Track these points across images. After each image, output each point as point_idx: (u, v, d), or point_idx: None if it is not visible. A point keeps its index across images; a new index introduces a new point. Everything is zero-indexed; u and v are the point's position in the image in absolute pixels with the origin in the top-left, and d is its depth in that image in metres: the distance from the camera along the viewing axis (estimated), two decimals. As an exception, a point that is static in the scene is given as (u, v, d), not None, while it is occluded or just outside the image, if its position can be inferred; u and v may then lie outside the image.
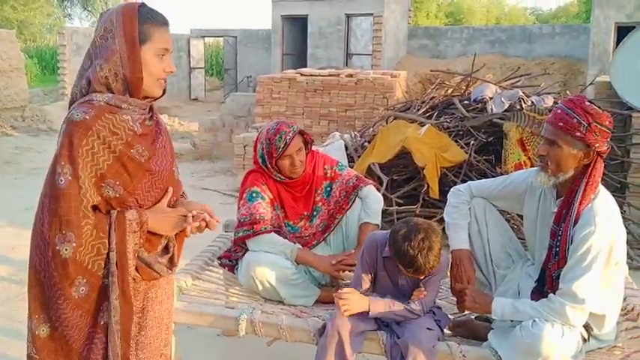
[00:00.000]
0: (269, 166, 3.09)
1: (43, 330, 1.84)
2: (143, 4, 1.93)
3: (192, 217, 1.94)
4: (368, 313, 2.53)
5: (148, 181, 1.92)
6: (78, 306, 1.82)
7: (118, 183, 1.84)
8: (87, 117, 1.79)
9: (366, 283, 2.67)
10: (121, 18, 1.87)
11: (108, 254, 1.83)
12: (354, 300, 2.52)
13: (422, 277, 2.55)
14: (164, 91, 1.99)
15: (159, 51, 1.90)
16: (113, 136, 1.83)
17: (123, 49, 1.85)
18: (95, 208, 1.82)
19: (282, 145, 3.02)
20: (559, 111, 2.41)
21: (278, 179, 3.12)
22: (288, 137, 3.02)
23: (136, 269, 1.90)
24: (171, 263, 2.01)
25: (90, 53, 1.90)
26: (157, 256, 1.96)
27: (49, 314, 1.83)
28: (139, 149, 1.88)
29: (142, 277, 1.93)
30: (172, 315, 2.15)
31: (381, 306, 2.55)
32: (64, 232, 1.76)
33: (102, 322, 1.87)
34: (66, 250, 1.77)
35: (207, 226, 1.99)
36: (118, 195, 1.85)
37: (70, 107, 1.88)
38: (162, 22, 1.93)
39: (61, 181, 1.76)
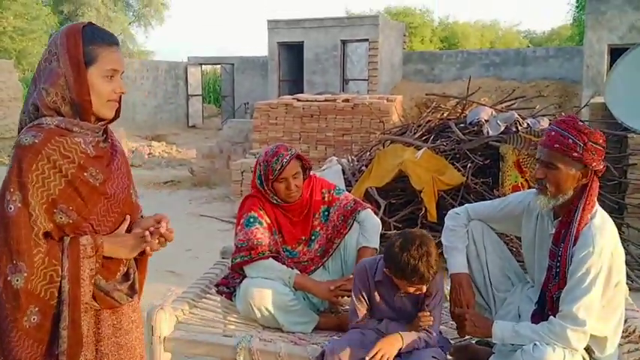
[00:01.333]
0: (266, 188, 3.08)
1: None
2: (90, 24, 1.87)
3: (150, 234, 1.86)
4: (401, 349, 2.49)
5: (104, 206, 1.84)
6: (29, 335, 1.74)
7: (71, 208, 1.76)
8: (36, 140, 1.72)
9: (362, 312, 2.65)
10: (65, 40, 1.80)
11: (60, 282, 1.75)
12: (387, 348, 2.45)
13: (424, 290, 2.52)
14: (118, 113, 1.92)
15: (106, 72, 1.82)
16: (64, 160, 1.75)
17: (68, 72, 1.79)
18: (47, 234, 1.75)
19: (279, 168, 3.02)
20: (553, 133, 2.41)
21: (275, 202, 3.11)
22: (284, 160, 3.02)
23: (94, 297, 1.83)
24: (132, 290, 1.94)
25: (35, 78, 1.84)
26: (115, 283, 1.89)
27: (2, 347, 1.74)
28: (93, 172, 1.81)
29: (101, 306, 1.85)
30: (143, 344, 2.08)
31: (410, 339, 2.50)
32: (14, 261, 1.69)
33: (57, 352, 1.79)
34: (17, 280, 1.69)
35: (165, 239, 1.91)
36: (71, 221, 1.77)
37: (19, 133, 1.81)
38: (109, 41, 1.85)
39: (11, 208, 1.69)
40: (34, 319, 1.74)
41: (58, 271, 1.74)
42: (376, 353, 2.42)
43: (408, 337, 2.49)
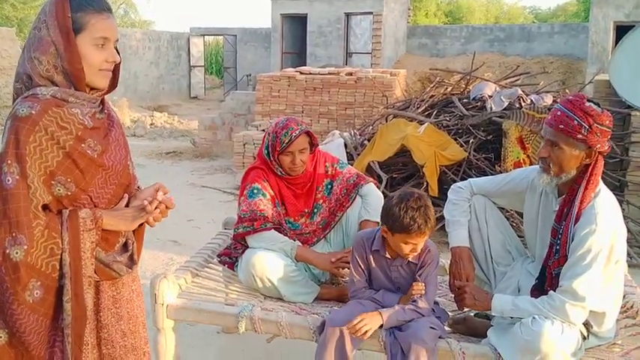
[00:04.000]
0: (272, 159, 3.10)
1: (1, 337, 1.74)
2: None
3: (149, 203, 1.84)
4: (382, 326, 2.51)
5: (102, 177, 1.82)
6: (33, 310, 1.72)
7: (69, 180, 1.74)
8: (33, 112, 1.69)
9: (360, 282, 2.68)
10: (54, 7, 1.75)
11: (62, 255, 1.74)
12: (367, 321, 2.48)
13: (418, 250, 2.55)
14: (115, 84, 1.88)
15: (96, 40, 1.76)
16: (62, 131, 1.72)
17: (58, 40, 1.73)
18: (46, 207, 1.73)
19: (287, 141, 3.03)
20: (559, 113, 2.40)
21: (279, 173, 3.12)
22: (294, 134, 3.03)
23: (94, 270, 1.82)
24: (132, 261, 1.93)
25: (25, 46, 1.79)
26: (115, 255, 1.88)
27: (5, 320, 1.72)
28: (91, 143, 1.78)
29: (101, 278, 1.84)
30: (144, 312, 2.07)
31: (393, 315, 2.53)
32: (14, 234, 1.66)
33: (62, 325, 1.78)
34: (17, 253, 1.67)
35: (166, 206, 1.89)
36: (69, 193, 1.75)
37: (13, 103, 1.77)
38: (99, 8, 1.78)
39: (9, 180, 1.66)
40: (37, 293, 1.72)
41: (58, 244, 1.73)
42: (357, 324, 2.45)
43: (386, 314, 2.51)
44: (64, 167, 1.73)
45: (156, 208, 1.86)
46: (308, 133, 3.10)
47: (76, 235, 1.74)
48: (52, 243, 1.72)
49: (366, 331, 2.46)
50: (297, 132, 3.04)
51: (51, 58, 1.74)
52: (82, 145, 1.76)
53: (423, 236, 2.51)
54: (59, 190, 1.74)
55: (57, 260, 1.74)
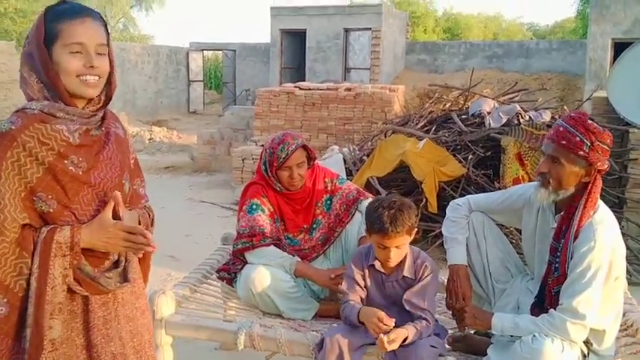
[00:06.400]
0: (270, 174, 3.10)
1: None
2: (62, 2, 1.77)
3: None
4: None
5: (88, 194, 1.77)
6: None
7: (50, 197, 1.70)
8: (12, 127, 1.67)
9: (356, 296, 2.65)
10: (35, 22, 1.74)
11: (29, 278, 1.68)
12: (397, 334, 2.43)
13: (390, 256, 2.52)
14: (109, 95, 1.83)
15: (70, 47, 1.71)
16: (42, 147, 1.69)
17: (35, 53, 1.72)
18: (26, 224, 1.69)
19: (284, 156, 3.03)
20: (561, 128, 2.40)
21: (278, 189, 3.12)
22: (290, 149, 3.04)
23: (79, 283, 1.75)
24: (124, 278, 1.85)
25: (20, 62, 1.79)
26: (103, 272, 1.81)
27: None
28: (74, 160, 1.74)
29: (88, 291, 1.77)
30: (151, 330, 2.03)
31: (412, 334, 2.48)
32: None
33: (25, 348, 1.71)
34: None
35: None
36: (51, 210, 1.71)
37: None
38: (74, 15, 1.73)
39: None
40: (1, 310, 1.68)
41: (27, 264, 1.69)
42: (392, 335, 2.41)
43: (412, 333, 2.47)
44: (44, 183, 1.70)
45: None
46: (305, 147, 3.11)
47: (45, 261, 1.69)
48: (22, 262, 1.69)
49: (394, 342, 2.41)
50: (293, 146, 3.04)
51: (35, 72, 1.74)
52: (65, 161, 1.72)
53: (393, 239, 2.48)
54: (41, 206, 1.71)
55: (25, 280, 1.69)
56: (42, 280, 1.69)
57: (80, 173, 1.75)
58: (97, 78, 1.77)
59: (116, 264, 1.86)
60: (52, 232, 1.71)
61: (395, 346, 2.40)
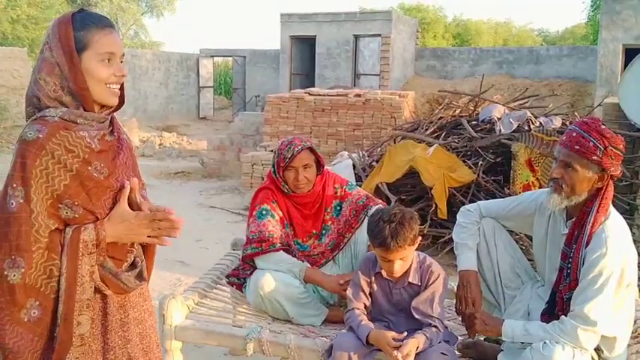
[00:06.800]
0: (277, 176, 3.13)
1: None
2: (81, 10, 1.83)
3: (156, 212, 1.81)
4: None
5: (109, 198, 1.82)
6: (29, 330, 1.71)
7: (76, 203, 1.74)
8: (40, 135, 1.70)
9: (360, 304, 2.64)
10: (57, 29, 1.77)
11: (59, 278, 1.73)
12: (412, 346, 2.43)
13: (394, 270, 2.51)
14: (122, 100, 1.89)
15: (102, 56, 1.78)
16: (69, 154, 1.73)
17: (62, 61, 1.76)
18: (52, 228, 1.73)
19: (289, 156, 3.06)
20: (574, 134, 2.39)
21: (285, 191, 3.14)
22: (296, 149, 3.07)
23: (104, 281, 1.80)
24: (141, 277, 1.92)
25: (34, 68, 1.82)
26: (122, 271, 1.86)
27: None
28: (97, 166, 1.79)
29: (110, 289, 1.82)
30: (157, 331, 2.07)
31: (422, 342, 2.47)
32: (13, 256, 1.67)
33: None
34: (14, 275, 1.67)
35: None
36: (77, 215, 1.75)
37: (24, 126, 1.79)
38: (102, 24, 1.80)
39: (12, 204, 1.67)
40: (34, 312, 1.72)
41: (57, 265, 1.73)
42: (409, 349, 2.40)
43: (422, 341, 2.46)
44: (71, 190, 1.73)
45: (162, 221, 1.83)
46: (312, 150, 3.13)
47: (74, 260, 1.73)
48: (52, 264, 1.72)
49: (409, 356, 2.40)
50: (299, 147, 3.08)
51: (57, 80, 1.76)
52: (89, 167, 1.77)
53: (395, 253, 2.47)
54: (67, 213, 1.74)
55: (56, 282, 1.73)
56: (71, 279, 1.73)
57: (102, 178, 1.79)
58: (118, 86, 1.84)
59: (133, 266, 1.91)
60: (77, 231, 1.74)
61: (411, 359, 2.39)
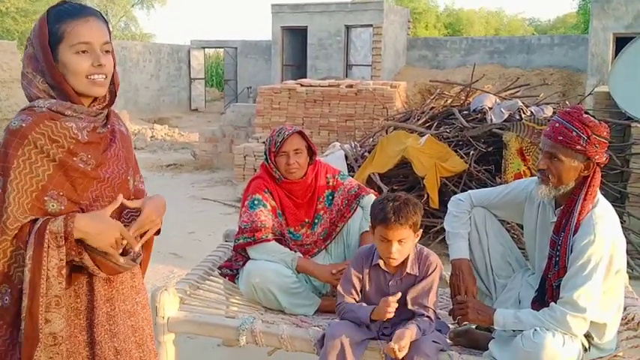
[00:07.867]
0: (269, 162, 3.16)
1: None
2: (64, 2, 1.78)
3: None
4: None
5: (96, 189, 1.78)
6: (0, 316, 1.69)
7: (61, 194, 1.71)
8: (23, 125, 1.68)
9: (351, 299, 2.64)
10: (36, 24, 1.75)
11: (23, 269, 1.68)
12: (407, 338, 2.43)
13: (392, 253, 2.50)
14: (114, 93, 1.84)
15: (76, 47, 1.72)
16: (53, 144, 1.70)
17: (40, 56, 1.73)
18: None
19: (280, 140, 3.09)
20: (557, 124, 2.42)
21: (277, 177, 3.14)
22: (286, 133, 3.10)
23: (97, 265, 1.75)
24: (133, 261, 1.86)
25: (23, 62, 1.80)
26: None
27: None
28: (84, 157, 1.75)
29: (103, 271, 1.76)
30: (152, 324, 2.04)
31: (414, 333, 2.47)
32: None
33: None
34: None
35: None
36: (62, 207, 1.71)
37: None
38: (77, 15, 1.74)
39: None
40: (6, 299, 1.69)
41: (23, 255, 1.69)
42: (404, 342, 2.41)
43: (415, 332, 2.47)
44: (55, 180, 1.71)
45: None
46: (303, 136, 3.15)
47: (39, 250, 1.67)
48: (20, 254, 1.69)
49: (405, 347, 2.41)
50: (289, 132, 3.12)
51: (39, 74, 1.75)
52: (75, 158, 1.74)
53: (395, 231, 2.47)
54: (53, 205, 1.71)
55: (22, 271, 1.69)
56: (35, 271, 1.67)
57: (89, 169, 1.76)
58: (104, 77, 1.78)
59: (123, 252, 1.85)
60: (45, 222, 1.69)
61: (406, 350, 2.40)
